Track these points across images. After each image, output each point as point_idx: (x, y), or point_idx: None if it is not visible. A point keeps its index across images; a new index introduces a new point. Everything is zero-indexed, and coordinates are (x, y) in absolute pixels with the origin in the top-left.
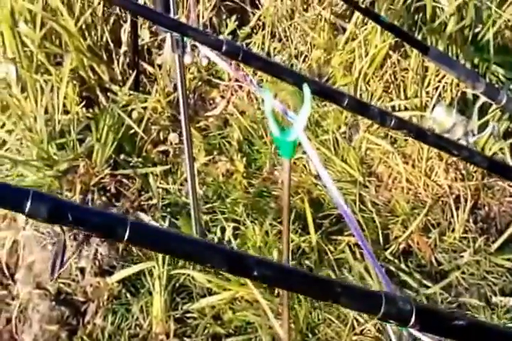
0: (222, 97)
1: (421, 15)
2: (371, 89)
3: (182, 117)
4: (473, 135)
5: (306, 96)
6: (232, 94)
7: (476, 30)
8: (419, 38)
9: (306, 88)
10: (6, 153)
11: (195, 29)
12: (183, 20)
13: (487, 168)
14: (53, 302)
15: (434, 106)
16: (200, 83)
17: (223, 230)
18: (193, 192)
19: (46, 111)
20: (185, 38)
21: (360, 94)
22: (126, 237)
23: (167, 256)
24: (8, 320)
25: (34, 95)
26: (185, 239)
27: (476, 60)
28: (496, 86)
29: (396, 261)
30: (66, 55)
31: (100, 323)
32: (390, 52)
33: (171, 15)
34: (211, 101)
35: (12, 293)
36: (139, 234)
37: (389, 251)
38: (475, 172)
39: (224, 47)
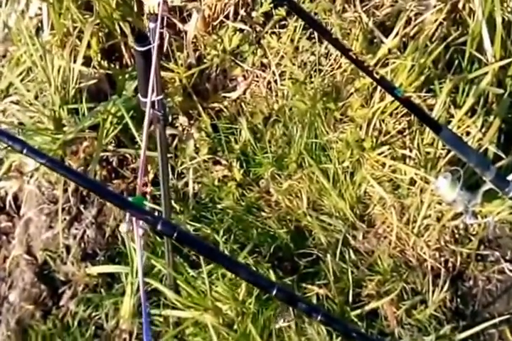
0: (244, 78)
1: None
2: (385, 127)
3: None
4: (473, 216)
5: None
6: (253, 80)
7: None
8: (450, 84)
9: None
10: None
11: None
12: None
13: None
14: (35, 278)
15: (438, 173)
16: (224, 60)
17: None
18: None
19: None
20: None
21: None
22: None
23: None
24: (6, 258)
25: (61, 40)
26: None
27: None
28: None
29: (360, 323)
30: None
31: (73, 309)
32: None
33: None
34: (233, 78)
35: (15, 227)
36: None
37: (356, 312)
38: (474, 235)
39: (159, 226)
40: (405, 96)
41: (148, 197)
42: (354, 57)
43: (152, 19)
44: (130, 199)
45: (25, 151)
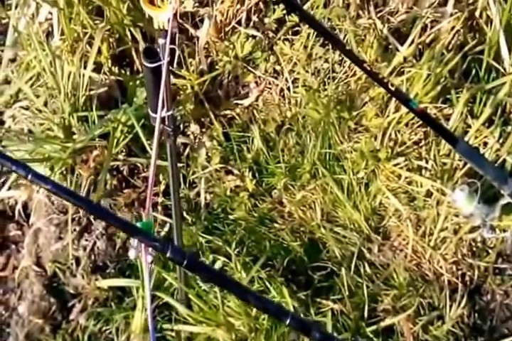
0: (257, 84)
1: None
2: (401, 138)
3: None
4: (490, 231)
5: None
6: (266, 87)
7: None
8: (467, 94)
9: None
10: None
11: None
12: None
13: None
14: (44, 291)
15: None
16: (236, 66)
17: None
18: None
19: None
20: None
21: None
22: None
23: (153, 279)
24: (15, 268)
25: (71, 45)
26: None
27: None
28: None
29: (375, 339)
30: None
31: (83, 323)
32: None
33: None
34: (245, 84)
35: (25, 235)
36: None
37: (371, 328)
38: (492, 248)
39: (169, 253)
40: (420, 108)
41: (159, 207)
42: (368, 69)
43: (162, 35)
44: (138, 224)
45: (29, 177)
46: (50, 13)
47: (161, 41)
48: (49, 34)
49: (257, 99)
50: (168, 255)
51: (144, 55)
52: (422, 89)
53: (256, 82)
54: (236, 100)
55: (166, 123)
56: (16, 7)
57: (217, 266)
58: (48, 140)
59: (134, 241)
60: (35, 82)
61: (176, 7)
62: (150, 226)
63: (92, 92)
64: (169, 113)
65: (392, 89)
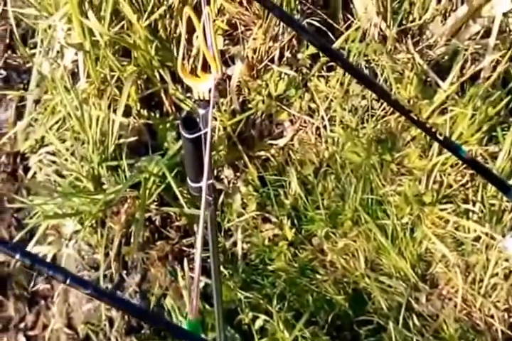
0: (292, 123)
1: None
2: (447, 180)
3: None
4: None
5: None
6: (301, 126)
7: None
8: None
9: None
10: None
11: None
12: None
13: None
14: None
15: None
16: (270, 105)
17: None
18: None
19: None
20: None
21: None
22: None
23: None
24: (45, 326)
25: (98, 88)
26: None
27: None
28: None
29: None
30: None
31: None
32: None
33: None
34: (279, 122)
35: (54, 289)
36: None
37: None
38: None
39: None
40: (470, 157)
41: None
42: (416, 118)
43: (202, 105)
44: (185, 326)
45: (68, 282)
46: (76, 54)
47: (201, 111)
48: (74, 74)
49: (292, 139)
50: None
51: (182, 124)
52: (468, 129)
53: (291, 121)
54: (270, 140)
55: (206, 191)
56: (41, 46)
57: (258, 325)
58: (77, 193)
59: None
60: (61, 125)
61: (218, 77)
62: (198, 326)
63: (121, 140)
64: (209, 182)
65: (441, 138)
